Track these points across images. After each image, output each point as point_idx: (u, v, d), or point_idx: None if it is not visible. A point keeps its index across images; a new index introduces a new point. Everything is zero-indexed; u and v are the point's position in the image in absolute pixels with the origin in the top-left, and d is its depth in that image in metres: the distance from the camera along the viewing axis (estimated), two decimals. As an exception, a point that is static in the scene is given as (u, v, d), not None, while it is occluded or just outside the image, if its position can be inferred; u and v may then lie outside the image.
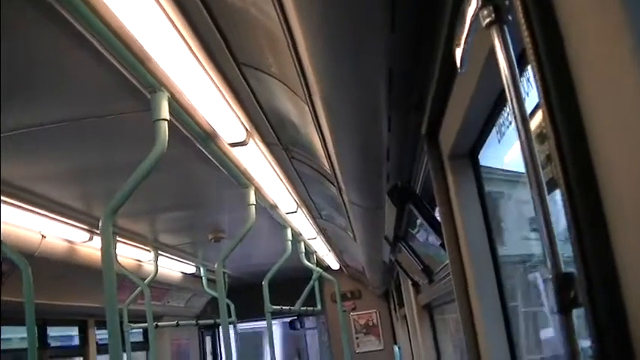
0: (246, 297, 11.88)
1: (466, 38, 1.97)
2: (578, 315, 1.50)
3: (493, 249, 3.21)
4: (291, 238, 8.73)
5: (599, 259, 1.37)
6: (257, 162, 5.80)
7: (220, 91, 4.21)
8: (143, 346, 12.88)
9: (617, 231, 1.34)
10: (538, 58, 1.46)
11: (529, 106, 1.76)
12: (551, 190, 1.63)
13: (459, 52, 2.07)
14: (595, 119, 1.36)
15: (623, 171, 1.26)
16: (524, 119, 1.59)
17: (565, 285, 1.47)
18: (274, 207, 7.55)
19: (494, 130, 2.80)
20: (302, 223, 8.81)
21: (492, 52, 1.70)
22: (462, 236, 3.26)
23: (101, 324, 11.02)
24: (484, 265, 3.17)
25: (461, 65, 2.12)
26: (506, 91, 1.63)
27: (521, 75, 1.73)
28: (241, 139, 5.05)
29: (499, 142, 2.80)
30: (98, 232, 4.00)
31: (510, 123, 2.54)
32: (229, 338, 7.55)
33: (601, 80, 1.30)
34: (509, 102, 1.62)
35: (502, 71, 1.64)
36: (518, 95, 1.60)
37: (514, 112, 1.61)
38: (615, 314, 1.35)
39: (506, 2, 1.62)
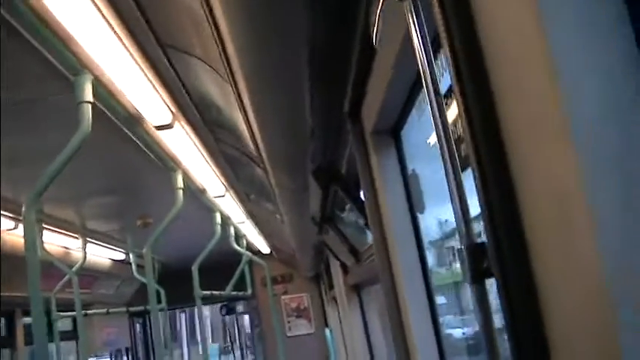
0: (176, 283, 11.79)
1: (379, 13, 2.00)
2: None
3: (416, 227, 3.25)
4: (220, 222, 8.70)
5: (508, 229, 1.42)
6: (183, 145, 5.77)
7: (145, 73, 4.18)
8: (73, 335, 12.72)
9: (526, 205, 1.38)
10: (450, 38, 1.50)
11: (446, 84, 1.81)
12: (464, 168, 1.67)
13: (374, 31, 2.10)
14: (505, 96, 1.40)
15: (532, 146, 1.31)
16: (437, 96, 1.63)
17: (477, 255, 1.52)
18: (202, 191, 7.52)
19: (414, 108, 2.84)
20: (230, 206, 8.78)
21: (408, 30, 1.74)
22: (386, 215, 3.30)
23: (29, 314, 10.86)
24: (407, 242, 3.22)
25: (376, 41, 2.15)
26: (421, 70, 1.67)
27: (436, 56, 1.77)
28: (167, 122, 5.01)
29: (418, 119, 2.84)
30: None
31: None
32: (159, 325, 7.54)
33: (511, 62, 1.34)
34: (424, 80, 1.66)
35: (416, 50, 1.68)
36: (432, 73, 1.64)
37: (428, 91, 1.65)
38: (525, 284, 1.40)
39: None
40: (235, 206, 8.89)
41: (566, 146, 1.17)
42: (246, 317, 22.83)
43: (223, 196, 7.89)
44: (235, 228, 10.09)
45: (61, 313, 10.09)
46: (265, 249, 14.17)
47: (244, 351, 23.93)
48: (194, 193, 7.29)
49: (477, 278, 1.53)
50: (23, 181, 6.85)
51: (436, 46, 1.75)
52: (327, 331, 15.15)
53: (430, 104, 1.64)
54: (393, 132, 3.20)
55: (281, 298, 16.48)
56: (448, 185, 1.60)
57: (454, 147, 1.61)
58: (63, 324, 11.88)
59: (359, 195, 4.26)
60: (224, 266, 11.18)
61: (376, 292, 6.77)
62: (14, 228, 8.15)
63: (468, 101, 1.47)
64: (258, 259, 12.00)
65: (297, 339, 16.39)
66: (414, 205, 3.26)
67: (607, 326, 1.14)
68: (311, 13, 2.44)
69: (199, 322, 10.57)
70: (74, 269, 9.60)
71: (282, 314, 16.60)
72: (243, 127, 4.56)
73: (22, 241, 5.97)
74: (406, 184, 3.24)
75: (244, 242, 11.39)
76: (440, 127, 1.61)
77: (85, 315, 10.60)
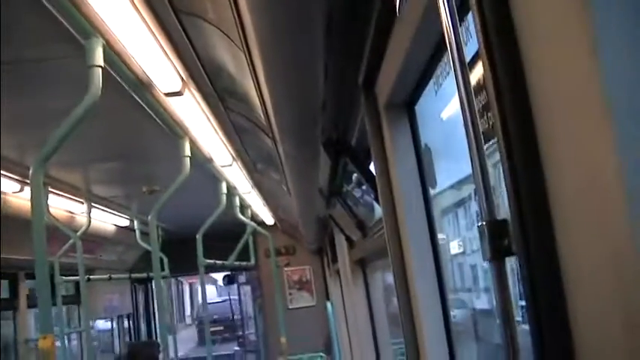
0: (179, 251, 11.81)
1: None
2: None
3: (427, 202, 3.21)
4: (225, 192, 8.69)
5: (534, 207, 1.37)
6: (192, 113, 5.74)
7: (157, 38, 4.14)
8: (75, 299, 12.76)
9: (553, 180, 1.34)
10: (480, 7, 1.45)
11: (468, 56, 1.75)
12: (487, 141, 1.63)
13: (398, -3, 2.05)
14: (535, 67, 1.35)
15: (564, 121, 1.26)
16: (463, 65, 1.58)
17: (498, 232, 1.47)
18: (209, 159, 7.50)
19: (431, 82, 2.79)
20: (237, 176, 8.76)
21: (432, -3, 1.68)
22: (396, 188, 3.26)
23: (32, 277, 10.88)
24: (418, 217, 3.18)
25: (399, 8, 2.10)
26: (446, 36, 1.61)
27: (461, 23, 1.71)
28: (177, 89, 4.98)
29: (436, 93, 2.79)
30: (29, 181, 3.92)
31: (448, 74, 2.53)
32: (162, 292, 7.54)
33: (543, 28, 1.29)
34: (449, 48, 1.61)
35: (442, 16, 1.62)
36: (458, 41, 1.59)
37: (453, 59, 1.60)
38: (549, 263, 1.36)
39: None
40: (242, 176, 8.87)
41: (600, 120, 1.12)
42: (248, 287, 22.88)
43: (230, 165, 7.87)
44: (241, 198, 10.08)
45: (65, 277, 10.10)
46: (269, 220, 14.19)
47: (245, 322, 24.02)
48: (201, 161, 7.27)
49: (497, 256, 1.49)
50: (29, 144, 6.83)
51: (461, 14, 1.70)
52: (329, 304, 15.18)
53: (455, 72, 1.58)
54: (407, 105, 3.15)
55: (283, 270, 16.50)
56: (470, 157, 1.55)
57: (478, 117, 1.56)
58: (66, 288, 11.92)
59: (369, 168, 4.22)
60: (228, 236, 11.17)
61: (381, 267, 6.76)
62: (20, 190, 8.14)
63: (496, 68, 1.42)
64: (262, 229, 11.99)
65: (298, 311, 16.43)
66: (426, 180, 3.22)
67: (636, 307, 1.09)
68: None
69: (201, 290, 10.57)
70: (78, 234, 9.61)
71: (284, 286, 16.63)
72: (253, 95, 4.52)
73: (26, 204, 5.96)
74: (419, 158, 3.20)
75: (249, 213, 11.39)
76: (464, 96, 1.56)
77: (88, 280, 10.62)
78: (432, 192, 3.26)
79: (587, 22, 1.12)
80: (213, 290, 39.75)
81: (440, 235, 3.27)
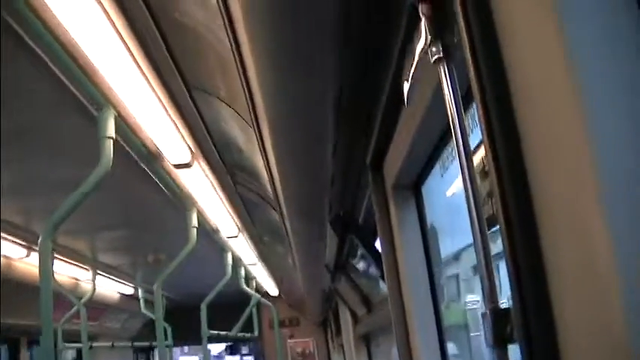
0: (183, 320, 11.75)
1: (413, 73, 1.99)
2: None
3: (432, 281, 3.23)
4: (231, 263, 8.68)
5: (535, 295, 1.39)
6: (200, 184, 5.77)
7: (167, 111, 4.19)
8: (77, 366, 12.68)
9: (553, 268, 1.36)
10: (483, 95, 1.49)
11: (473, 144, 1.79)
12: (490, 227, 1.65)
13: (406, 87, 2.10)
14: (536, 158, 1.38)
15: (563, 211, 1.29)
16: (467, 154, 1.61)
17: (501, 320, 1.49)
18: (216, 230, 7.51)
19: (437, 164, 2.83)
20: (243, 248, 8.77)
21: (439, 87, 1.73)
22: (402, 268, 3.27)
23: (33, 343, 10.81)
24: (423, 297, 3.19)
25: (408, 100, 2.15)
26: (451, 126, 1.65)
27: (465, 112, 1.75)
28: (186, 161, 5.02)
29: (442, 176, 2.83)
30: (36, 248, 3.94)
31: (454, 158, 2.57)
32: (165, 361, 7.47)
33: (543, 121, 1.33)
34: (454, 137, 1.65)
35: (448, 106, 1.67)
36: (463, 130, 1.63)
37: (458, 147, 1.64)
38: (549, 351, 1.37)
39: (455, 40, 1.64)
40: (247, 248, 8.87)
41: (597, 216, 1.15)
42: (251, 359, 22.66)
43: (236, 236, 7.87)
44: (246, 269, 10.07)
45: (68, 344, 10.04)
46: (274, 291, 14.13)
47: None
48: (207, 232, 7.29)
49: (500, 343, 1.50)
50: (36, 210, 6.87)
51: (466, 104, 1.74)
52: (332, 378, 15.03)
53: (460, 161, 1.62)
54: (414, 187, 3.19)
55: (287, 342, 16.37)
56: (474, 244, 1.57)
57: (481, 205, 1.60)
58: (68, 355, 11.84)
59: (375, 246, 4.24)
60: (232, 306, 11.12)
61: (385, 343, 6.72)
62: (26, 256, 8.15)
63: (498, 158, 1.45)
64: (266, 301, 11.94)
65: (301, 384, 16.27)
66: (431, 261, 3.24)
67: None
68: (340, 62, 2.44)
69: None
70: (83, 301, 9.58)
71: (288, 358, 16.49)
72: (262, 170, 4.56)
73: (31, 269, 5.92)
74: (424, 238, 3.22)
75: (254, 284, 11.35)
76: (468, 184, 1.59)
77: (91, 347, 10.54)
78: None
79: (581, 108, 1.17)
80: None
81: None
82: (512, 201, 1.44)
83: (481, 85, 1.49)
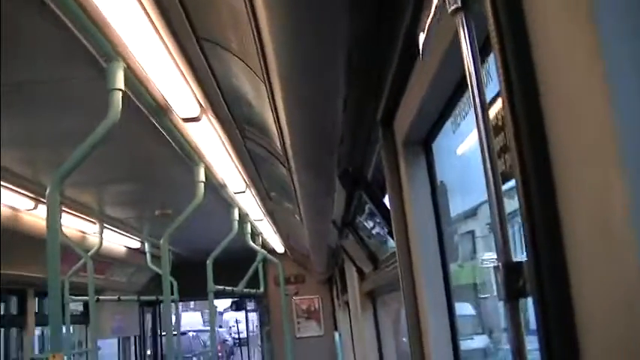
0: (189, 275, 11.80)
1: (429, 24, 1.96)
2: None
3: (441, 239, 3.22)
4: (237, 219, 8.71)
5: (550, 249, 1.38)
6: (209, 139, 5.77)
7: (177, 64, 4.17)
8: (83, 319, 12.75)
9: (569, 223, 1.35)
10: (502, 46, 1.46)
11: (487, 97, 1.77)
12: (504, 181, 1.64)
13: (422, 38, 2.07)
14: (555, 113, 1.36)
15: (580, 165, 1.27)
16: (483, 106, 1.59)
17: (513, 274, 1.48)
18: (223, 186, 7.52)
19: (448, 121, 2.81)
20: (250, 203, 8.78)
21: (455, 39, 1.70)
22: (411, 224, 3.26)
23: (40, 294, 10.88)
24: (432, 254, 3.18)
25: (423, 51, 2.12)
26: (468, 78, 1.63)
27: (482, 64, 1.72)
28: (195, 115, 5.01)
29: (454, 132, 2.81)
30: (44, 200, 3.95)
31: (466, 114, 2.55)
32: (171, 316, 7.52)
33: (564, 75, 1.31)
34: (470, 89, 1.62)
35: (465, 58, 1.64)
36: (480, 83, 1.61)
37: (474, 99, 1.62)
38: (562, 305, 1.36)
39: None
40: (254, 203, 8.88)
41: (614, 167, 1.14)
42: (255, 315, 22.82)
43: (244, 192, 7.88)
44: (252, 225, 10.09)
45: (74, 297, 10.10)
46: (280, 248, 14.18)
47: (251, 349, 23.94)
48: (215, 187, 7.29)
49: (511, 297, 1.50)
50: (44, 162, 6.87)
51: (482, 56, 1.72)
52: (337, 334, 15.12)
53: (475, 113, 1.60)
54: (424, 143, 3.17)
55: (292, 299, 16.46)
56: (488, 199, 1.56)
57: (496, 159, 1.58)
58: (74, 307, 11.92)
59: (384, 202, 4.23)
60: (237, 262, 11.16)
61: (392, 300, 6.74)
62: (34, 208, 8.17)
63: (515, 110, 1.44)
64: (273, 257, 11.99)
65: (305, 340, 16.39)
66: (440, 218, 3.23)
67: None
68: (352, 15, 2.41)
69: (210, 317, 10.54)
70: (90, 254, 9.63)
71: (293, 315, 16.59)
72: (271, 125, 4.54)
73: (39, 221, 5.94)
74: (434, 195, 3.20)
75: (260, 240, 11.39)
76: (484, 137, 1.57)
77: (97, 300, 10.61)
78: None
79: (602, 68, 1.14)
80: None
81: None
82: (529, 154, 1.42)
83: (500, 36, 1.46)
